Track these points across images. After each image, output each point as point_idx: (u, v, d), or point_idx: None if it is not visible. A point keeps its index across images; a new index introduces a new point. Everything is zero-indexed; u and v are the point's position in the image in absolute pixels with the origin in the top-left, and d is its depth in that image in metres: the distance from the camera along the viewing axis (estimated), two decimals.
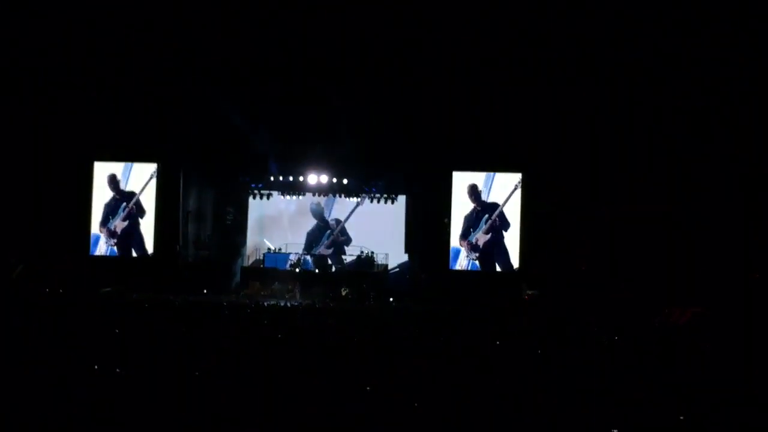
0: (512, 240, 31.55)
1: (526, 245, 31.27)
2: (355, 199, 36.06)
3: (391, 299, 31.21)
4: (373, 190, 35.36)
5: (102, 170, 32.79)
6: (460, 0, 27.55)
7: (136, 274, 31.05)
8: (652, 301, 24.83)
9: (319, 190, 35.24)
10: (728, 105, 27.61)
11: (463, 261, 31.75)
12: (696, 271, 27.34)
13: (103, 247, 32.66)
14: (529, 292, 31.46)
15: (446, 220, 32.08)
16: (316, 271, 33.65)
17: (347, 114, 30.44)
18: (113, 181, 32.68)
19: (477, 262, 31.69)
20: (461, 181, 31.98)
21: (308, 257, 34.96)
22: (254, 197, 35.77)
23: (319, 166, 33.68)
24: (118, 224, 32.71)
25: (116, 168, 32.75)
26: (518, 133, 30.49)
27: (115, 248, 32.71)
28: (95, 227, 32.65)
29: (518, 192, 31.62)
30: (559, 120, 30.48)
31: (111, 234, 32.70)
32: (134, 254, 32.74)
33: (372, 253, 34.92)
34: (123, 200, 32.67)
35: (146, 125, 31.43)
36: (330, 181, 34.23)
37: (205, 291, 31.25)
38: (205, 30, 28.74)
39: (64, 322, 17.22)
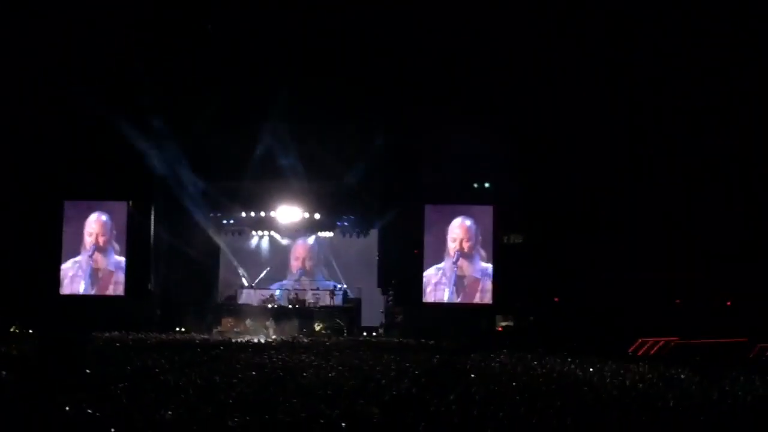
0: (486, 272, 31.56)
1: (500, 277, 31.26)
2: (327, 234, 36.04)
3: (365, 333, 31.19)
4: (345, 224, 35.35)
5: (72, 208, 32.59)
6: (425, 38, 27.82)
7: (107, 313, 30.78)
8: (627, 331, 24.99)
9: (290, 226, 35.13)
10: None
11: (437, 293, 31.71)
12: (670, 301, 27.65)
13: (73, 286, 32.37)
14: (503, 324, 31.56)
15: (416, 252, 32.10)
16: (289, 306, 33.46)
17: (317, 150, 30.48)
18: (90, 220, 32.52)
19: (452, 294, 31.66)
20: (441, 216, 32.09)
21: (281, 292, 34.79)
22: (225, 233, 35.61)
23: (290, 201, 33.62)
24: (88, 262, 32.46)
25: (88, 206, 32.57)
26: (489, 165, 30.62)
27: (85, 287, 32.43)
28: (66, 265, 32.39)
29: (491, 225, 31.71)
30: (529, 152, 30.71)
31: (82, 273, 32.44)
32: (106, 293, 32.46)
33: (344, 287, 34.88)
34: (93, 238, 32.46)
35: (116, 163, 31.27)
36: (302, 216, 34.18)
37: (178, 329, 31.05)
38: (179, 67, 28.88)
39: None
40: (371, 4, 27.92)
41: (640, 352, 23.61)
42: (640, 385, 13.87)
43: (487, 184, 31.65)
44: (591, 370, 17.14)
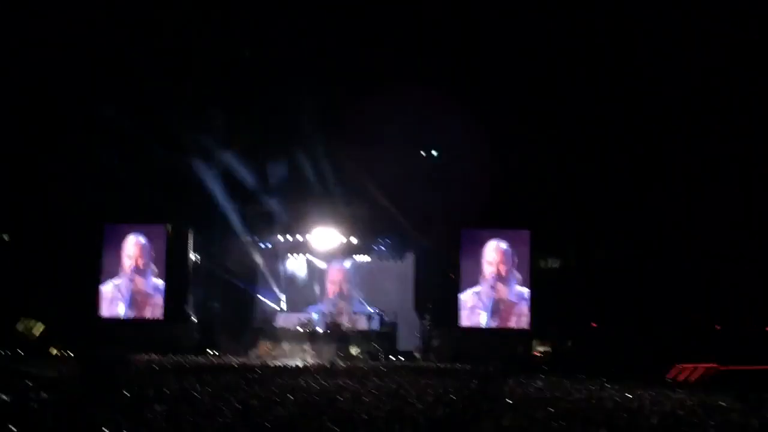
0: (522, 296, 31.41)
1: (537, 302, 31.08)
2: (363, 258, 36.09)
3: (401, 357, 31.16)
4: (381, 248, 35.38)
5: (111, 231, 32.97)
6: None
7: (146, 335, 31.00)
8: (665, 357, 24.70)
9: (327, 250, 35.20)
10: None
11: (474, 317, 31.60)
12: (709, 326, 27.31)
13: (112, 309, 32.68)
14: (541, 350, 31.34)
15: (452, 276, 32.05)
16: (326, 330, 33.45)
17: (353, 173, 30.59)
18: (129, 242, 32.88)
19: (489, 318, 31.54)
20: (477, 240, 32.07)
21: (318, 316, 34.82)
22: (263, 257, 35.75)
23: (326, 225, 33.74)
24: (128, 285, 32.77)
25: (127, 229, 32.94)
26: (525, 191, 30.53)
27: (124, 309, 32.74)
28: (105, 288, 32.72)
29: (527, 250, 31.61)
30: (565, 177, 30.63)
31: (121, 295, 32.76)
32: (144, 316, 32.73)
33: (381, 311, 34.85)
34: (132, 261, 32.80)
35: (154, 187, 31.59)
36: (338, 240, 34.28)
37: (213, 352, 31.22)
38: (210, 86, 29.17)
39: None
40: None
41: (679, 378, 23.33)
42: (680, 412, 13.71)
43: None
44: (629, 396, 16.99)
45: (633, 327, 27.56)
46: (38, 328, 31.37)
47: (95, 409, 12.71)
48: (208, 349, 31.53)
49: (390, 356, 31.26)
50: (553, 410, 13.69)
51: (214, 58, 29.46)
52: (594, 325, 29.87)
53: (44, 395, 14.10)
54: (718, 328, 28.25)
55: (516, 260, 31.57)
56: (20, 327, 31.27)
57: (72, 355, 28.30)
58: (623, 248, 30.23)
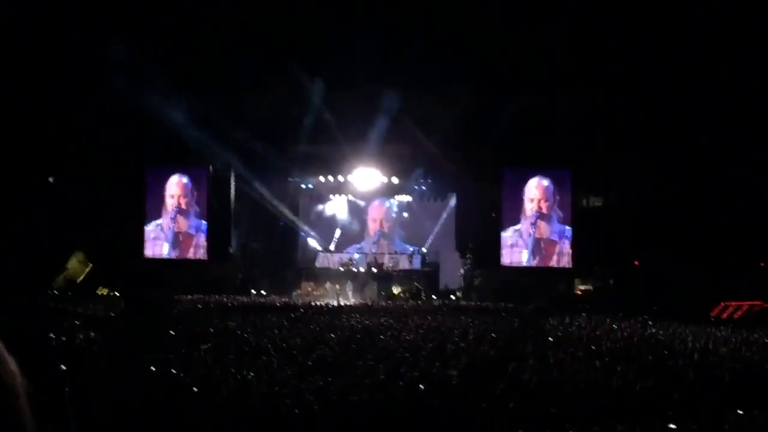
0: (564, 234, 31.29)
1: (579, 240, 30.94)
2: (405, 198, 36.12)
3: (443, 297, 31.28)
4: (423, 188, 35.34)
5: (154, 173, 33.27)
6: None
7: (189, 276, 31.39)
8: (709, 295, 24.51)
9: (368, 190, 35.23)
10: None
11: (515, 255, 31.57)
12: (755, 263, 27.00)
13: (155, 249, 33.11)
14: (582, 288, 31.28)
15: (494, 215, 31.99)
16: (368, 270, 33.61)
17: (395, 114, 30.45)
18: (171, 182, 33.19)
19: (530, 257, 31.51)
20: (518, 178, 31.94)
21: (359, 256, 34.99)
22: (304, 198, 35.89)
23: (368, 165, 33.72)
24: (170, 225, 33.12)
25: (169, 172, 33.22)
26: (567, 129, 30.19)
27: (168, 250, 33.15)
28: (149, 228, 33.10)
29: (569, 188, 31.42)
30: (608, 116, 30.24)
31: (164, 235, 33.14)
32: (187, 256, 33.13)
33: (422, 250, 34.95)
34: (175, 201, 33.11)
35: (197, 129, 31.71)
36: (379, 180, 34.29)
37: (256, 292, 31.54)
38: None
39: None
40: None
41: (724, 316, 23.20)
42: (723, 349, 13.64)
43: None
44: (672, 333, 16.93)
45: (676, 265, 27.30)
46: (86, 266, 31.91)
47: (141, 348, 12.92)
48: (251, 289, 31.82)
49: (431, 295, 31.35)
50: (594, 348, 13.69)
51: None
52: (636, 263, 29.69)
53: (92, 334, 14.33)
54: (763, 265, 27.94)
55: (557, 198, 31.42)
56: (69, 265, 31.80)
57: (118, 295, 28.70)
58: (666, 185, 29.85)
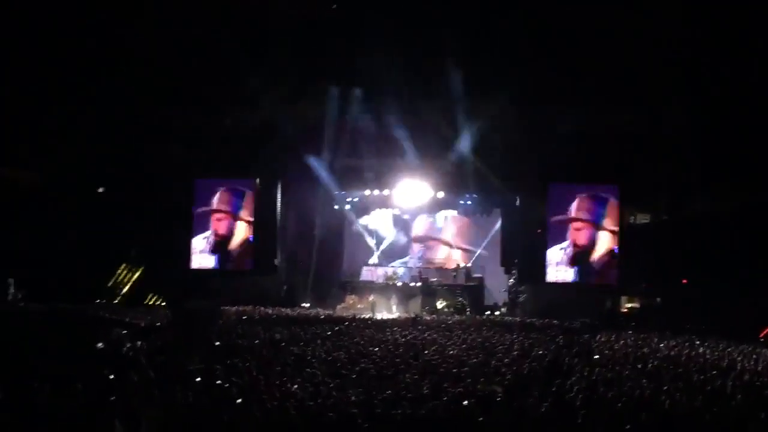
0: (612, 254, 30.99)
1: (626, 258, 30.62)
2: (450, 212, 36.05)
3: (487, 312, 31.17)
4: (468, 203, 35.24)
5: (202, 186, 33.57)
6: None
7: (235, 287, 31.59)
8: (759, 316, 24.11)
9: (413, 204, 35.21)
10: None
11: (561, 272, 31.33)
12: None
13: (202, 261, 33.36)
14: (628, 306, 30.96)
15: (540, 231, 31.82)
16: (412, 284, 33.57)
17: (442, 128, 30.44)
18: (219, 196, 33.48)
19: (576, 274, 31.25)
20: (565, 195, 31.75)
21: (404, 270, 34.97)
22: (350, 211, 35.93)
23: (413, 179, 33.70)
24: (218, 239, 33.39)
25: (217, 183, 33.50)
26: (614, 144, 29.95)
27: (214, 262, 33.40)
28: (196, 240, 33.40)
29: (616, 205, 31.14)
30: (656, 131, 29.98)
31: (211, 248, 33.41)
32: (233, 268, 33.33)
33: (468, 265, 34.84)
34: (223, 214, 33.37)
35: (244, 141, 31.95)
36: (425, 194, 34.25)
37: (300, 304, 31.66)
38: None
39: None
40: None
41: None
42: None
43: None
44: (720, 353, 16.70)
45: (725, 284, 26.86)
46: (134, 276, 32.28)
47: (187, 357, 13.03)
48: (295, 302, 31.95)
49: (476, 311, 31.22)
50: (641, 366, 13.55)
51: (297, 11, 29.41)
52: (684, 281, 29.31)
53: (138, 344, 14.49)
54: None
55: (605, 215, 31.11)
56: (117, 276, 32.20)
57: (165, 305, 28.96)
58: (715, 202, 29.47)
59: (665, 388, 10.84)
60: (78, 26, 28.00)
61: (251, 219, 33.28)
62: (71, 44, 28.32)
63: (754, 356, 16.17)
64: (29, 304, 26.80)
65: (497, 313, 31.63)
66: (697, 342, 19.13)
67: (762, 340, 22.33)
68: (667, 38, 27.40)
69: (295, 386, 10.73)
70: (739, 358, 15.39)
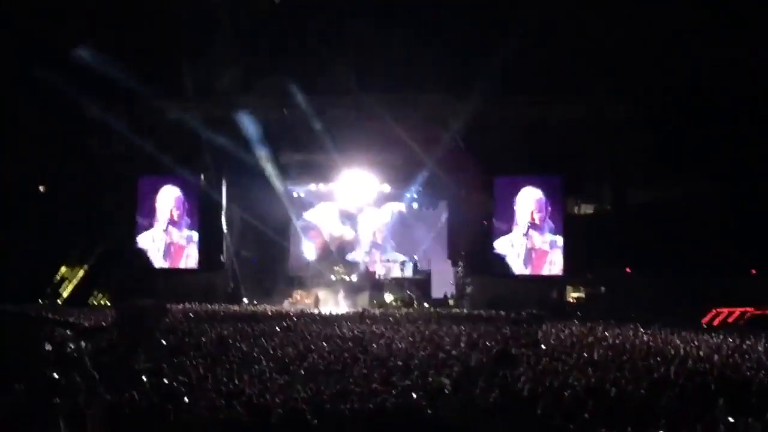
0: (556, 243, 31.28)
1: (570, 248, 30.91)
2: (397, 206, 36.08)
3: (435, 305, 31.27)
4: (414, 196, 35.31)
5: (146, 183, 33.24)
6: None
7: (180, 285, 31.32)
8: (700, 302, 24.51)
9: (360, 198, 35.21)
10: None
11: (507, 264, 31.54)
12: (746, 271, 27.01)
13: (147, 258, 33.05)
14: (574, 296, 31.28)
15: (485, 222, 32.01)
16: (360, 278, 33.57)
17: (388, 122, 30.44)
18: (163, 194, 33.16)
19: (522, 265, 31.49)
20: (510, 187, 31.97)
21: (351, 265, 34.94)
22: (295, 206, 35.78)
23: (360, 173, 33.72)
24: (162, 235, 33.10)
25: (161, 180, 33.18)
26: (556, 137, 30.20)
27: (159, 259, 33.11)
28: (141, 240, 33.06)
29: (560, 195, 31.44)
30: (599, 123, 30.31)
31: (156, 246, 33.10)
32: (178, 265, 33.08)
33: (414, 259, 34.94)
34: (167, 212, 33.09)
35: (188, 138, 31.68)
36: (371, 188, 34.28)
37: (247, 301, 31.51)
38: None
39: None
40: None
41: (715, 323, 23.21)
42: (715, 357, 13.64)
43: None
44: (664, 340, 16.94)
45: (668, 272, 27.28)
46: (77, 276, 31.84)
47: (133, 356, 12.89)
48: (242, 298, 31.79)
49: (424, 303, 31.31)
50: (587, 355, 13.68)
51: (242, 5, 29.28)
52: (628, 270, 29.69)
53: (83, 344, 14.29)
54: (754, 272, 27.94)
55: (549, 208, 31.40)
56: (60, 275, 31.73)
57: (110, 304, 28.62)
58: (657, 192, 29.92)
59: (611, 376, 10.95)
60: (19, 24, 27.65)
61: (197, 217, 33.04)
62: (12, 41, 27.92)
63: (697, 342, 16.41)
64: None
65: (445, 305, 31.74)
66: (641, 330, 19.37)
67: (704, 326, 22.71)
68: (610, 29, 27.69)
69: (243, 383, 10.67)
70: (683, 345, 15.60)
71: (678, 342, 16.45)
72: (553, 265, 31.23)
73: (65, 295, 31.32)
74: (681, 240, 27.58)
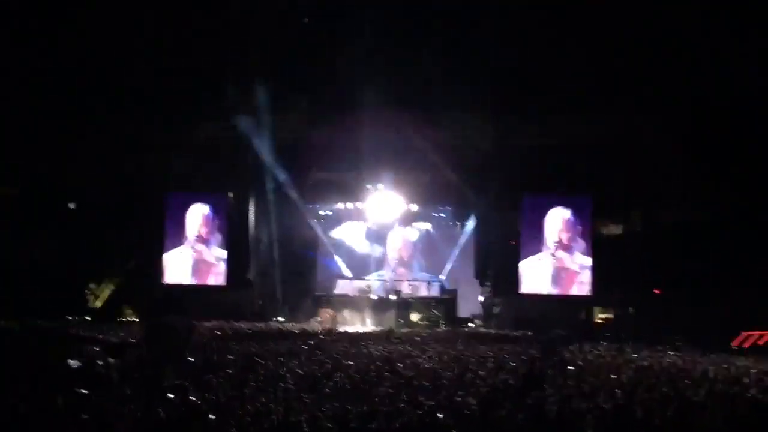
0: (584, 264, 31.12)
1: (599, 269, 30.74)
2: (424, 225, 36.02)
3: (462, 324, 31.16)
4: (442, 215, 35.28)
5: (174, 200, 33.44)
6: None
7: (208, 302, 31.41)
8: (731, 325, 24.27)
9: (387, 217, 35.19)
10: None
11: (535, 284, 31.41)
12: None
13: (175, 276, 33.20)
14: (602, 317, 31.08)
15: (513, 242, 31.93)
16: (387, 297, 33.52)
17: (415, 140, 30.50)
18: (192, 211, 33.35)
19: (550, 286, 31.36)
20: (539, 207, 31.88)
21: (379, 283, 34.89)
22: (323, 224, 35.85)
23: (387, 192, 33.75)
24: (191, 253, 33.27)
25: (189, 198, 33.38)
26: (586, 157, 30.08)
27: (187, 276, 33.25)
28: (169, 256, 33.24)
29: (589, 216, 31.31)
30: (629, 143, 30.18)
31: (185, 264, 33.27)
32: (207, 283, 33.20)
33: (441, 278, 34.84)
34: (195, 230, 33.26)
35: (216, 155, 31.87)
36: (398, 207, 34.28)
37: (275, 319, 31.54)
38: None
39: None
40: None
41: (746, 345, 22.98)
42: (745, 380, 13.51)
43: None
44: (693, 363, 16.80)
45: (697, 294, 27.05)
46: (106, 292, 32.02)
47: (160, 374, 12.92)
48: (269, 316, 31.83)
49: (450, 323, 31.21)
50: (615, 377, 13.59)
51: (269, 26, 29.42)
52: (657, 291, 29.47)
53: (111, 360, 14.35)
54: None
55: (579, 228, 31.29)
56: (89, 291, 31.91)
57: (138, 321, 28.75)
58: (688, 213, 29.71)
59: (639, 398, 10.87)
60: (53, 41, 27.96)
61: (225, 233, 33.20)
62: (45, 59, 28.24)
63: (726, 365, 16.26)
64: None
65: (472, 325, 31.64)
66: (671, 352, 19.24)
67: (734, 348, 22.49)
68: (641, 47, 27.60)
69: (269, 401, 10.67)
70: (712, 368, 15.46)
71: (707, 364, 16.31)
72: (582, 285, 31.07)
73: (94, 311, 31.46)
74: (711, 261, 27.34)
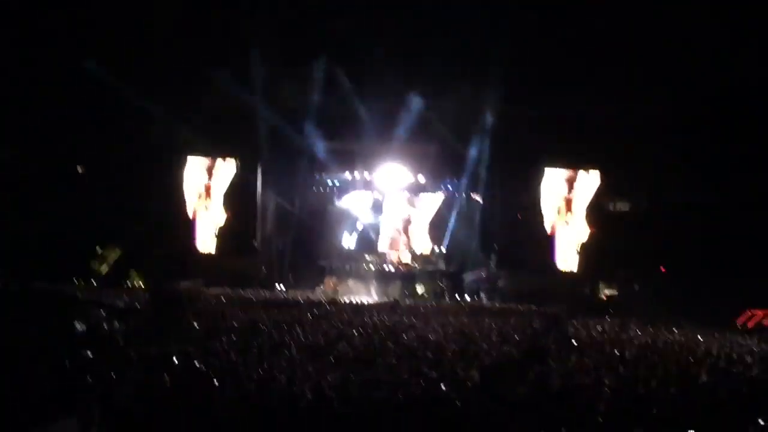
0: (591, 240, 31.11)
1: (605, 244, 30.72)
2: (431, 196, 35.95)
3: (466, 297, 31.21)
4: (449, 187, 35.20)
5: (183, 167, 33.44)
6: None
7: (213, 269, 31.48)
8: (735, 302, 24.25)
9: (395, 188, 35.13)
10: None
11: (540, 258, 31.42)
12: None
13: (181, 241, 33.23)
14: (607, 293, 31.07)
15: (519, 216, 31.90)
16: (392, 268, 33.55)
17: (424, 112, 30.42)
18: (199, 177, 33.42)
19: (556, 260, 31.40)
20: (546, 181, 31.85)
21: (383, 254, 34.90)
22: (330, 194, 35.82)
23: (395, 163, 33.71)
24: (197, 218, 33.32)
25: (197, 162, 33.41)
26: (595, 133, 29.95)
27: (194, 242, 33.30)
28: (177, 222, 33.27)
29: (594, 191, 31.26)
30: (636, 119, 30.04)
31: (191, 229, 33.32)
32: (212, 249, 33.25)
33: (447, 250, 34.79)
34: (202, 195, 33.30)
35: (224, 123, 31.79)
36: (406, 178, 34.22)
37: (280, 287, 31.59)
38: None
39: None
40: None
41: (750, 324, 22.99)
42: (748, 358, 13.52)
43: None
44: (697, 340, 16.81)
45: (702, 272, 27.02)
46: (113, 256, 32.08)
47: (165, 339, 12.98)
48: (274, 284, 31.88)
49: (455, 296, 31.26)
50: (618, 353, 13.61)
51: None
52: (663, 269, 29.45)
53: (116, 325, 14.41)
54: None
55: (585, 204, 31.23)
56: (96, 255, 31.98)
57: (144, 287, 28.83)
58: (694, 191, 29.60)
59: (642, 375, 10.89)
60: (58, 9, 27.92)
61: (230, 200, 33.18)
62: (53, 25, 28.18)
63: (730, 344, 16.27)
64: (6, 283, 26.63)
65: (477, 298, 31.67)
66: (674, 329, 19.24)
67: (738, 327, 22.50)
68: (650, 28, 27.45)
69: (273, 369, 10.71)
70: (715, 346, 15.47)
71: (711, 343, 16.32)
72: (587, 261, 31.06)
73: (101, 276, 31.54)
74: (717, 239, 27.30)
